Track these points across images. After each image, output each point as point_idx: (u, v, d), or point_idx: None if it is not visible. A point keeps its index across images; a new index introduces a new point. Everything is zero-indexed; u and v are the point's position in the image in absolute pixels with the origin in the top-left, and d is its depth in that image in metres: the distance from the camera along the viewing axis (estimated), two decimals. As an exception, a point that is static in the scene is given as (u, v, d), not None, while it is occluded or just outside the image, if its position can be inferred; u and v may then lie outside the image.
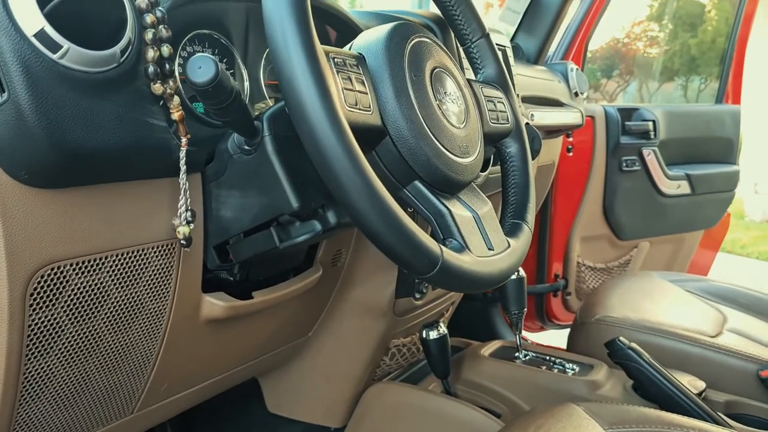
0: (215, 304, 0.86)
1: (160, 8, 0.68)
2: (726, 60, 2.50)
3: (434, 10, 1.03)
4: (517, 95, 1.32)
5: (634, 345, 1.10)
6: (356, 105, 0.64)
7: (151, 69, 0.66)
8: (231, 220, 0.79)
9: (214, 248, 0.84)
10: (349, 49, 0.73)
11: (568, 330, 2.36)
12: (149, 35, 0.66)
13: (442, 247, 0.65)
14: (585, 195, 2.16)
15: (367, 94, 0.67)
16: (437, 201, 0.72)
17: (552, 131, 1.70)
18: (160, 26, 0.68)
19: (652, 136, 2.18)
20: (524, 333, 2.26)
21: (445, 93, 0.76)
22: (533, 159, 1.34)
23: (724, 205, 2.46)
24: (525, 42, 1.90)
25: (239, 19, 0.91)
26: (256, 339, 1.04)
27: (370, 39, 0.72)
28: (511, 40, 1.93)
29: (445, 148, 0.72)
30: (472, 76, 1.00)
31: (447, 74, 0.78)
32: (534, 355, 1.34)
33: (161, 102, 0.69)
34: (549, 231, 2.15)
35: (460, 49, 1.04)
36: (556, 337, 2.47)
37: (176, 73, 0.80)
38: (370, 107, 0.67)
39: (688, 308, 1.52)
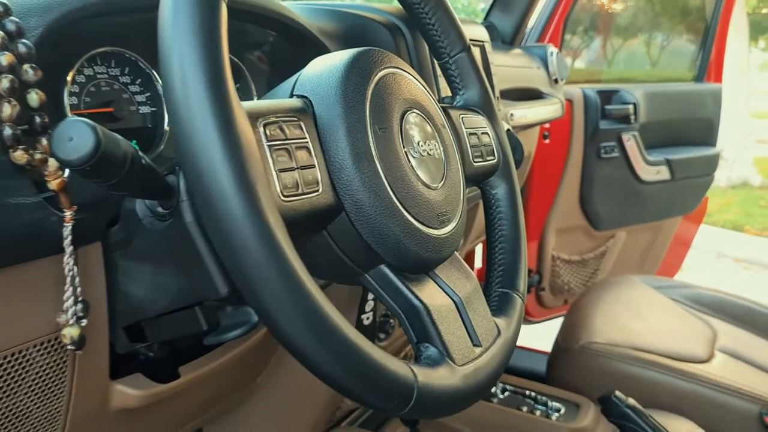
0: (128, 393, 0.68)
1: (24, 41, 0.49)
2: (708, 35, 2.35)
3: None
4: (497, 97, 1.15)
5: (631, 402, 0.97)
6: (297, 188, 0.46)
7: (7, 132, 0.47)
8: (143, 300, 0.62)
9: (125, 327, 0.66)
10: (293, 87, 0.55)
11: (540, 324, 2.27)
12: (4, 84, 0.46)
13: (415, 368, 0.48)
14: (561, 185, 2.01)
15: (314, 166, 0.49)
16: (409, 293, 0.55)
17: (532, 125, 1.53)
18: (25, 66, 0.48)
19: (632, 120, 2.03)
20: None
21: (418, 143, 0.58)
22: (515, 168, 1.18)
23: (703, 189, 2.35)
24: (500, 21, 1.71)
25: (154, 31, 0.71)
26: (189, 409, 0.87)
27: (320, 79, 0.54)
28: (485, 19, 1.74)
29: (420, 222, 0.55)
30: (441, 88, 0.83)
31: (421, 115, 0.60)
32: (512, 389, 1.20)
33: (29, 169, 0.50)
34: (523, 224, 2.00)
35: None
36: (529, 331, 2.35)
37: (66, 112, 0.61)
38: (317, 184, 0.49)
39: (676, 324, 1.39)
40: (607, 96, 2.02)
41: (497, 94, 1.15)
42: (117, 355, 0.68)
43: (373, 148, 0.52)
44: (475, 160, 0.72)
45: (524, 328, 2.24)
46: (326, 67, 0.55)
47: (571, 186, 2.03)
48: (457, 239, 0.60)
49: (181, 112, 0.41)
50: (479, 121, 0.75)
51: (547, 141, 1.92)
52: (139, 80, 0.70)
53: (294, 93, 0.54)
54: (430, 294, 0.57)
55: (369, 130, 0.52)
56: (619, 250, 2.21)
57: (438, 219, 0.57)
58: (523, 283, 0.70)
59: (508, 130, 1.15)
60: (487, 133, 0.75)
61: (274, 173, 0.44)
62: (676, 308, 1.47)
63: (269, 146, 0.45)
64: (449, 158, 0.62)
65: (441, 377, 0.51)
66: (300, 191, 0.46)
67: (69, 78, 0.61)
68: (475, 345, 0.58)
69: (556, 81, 1.67)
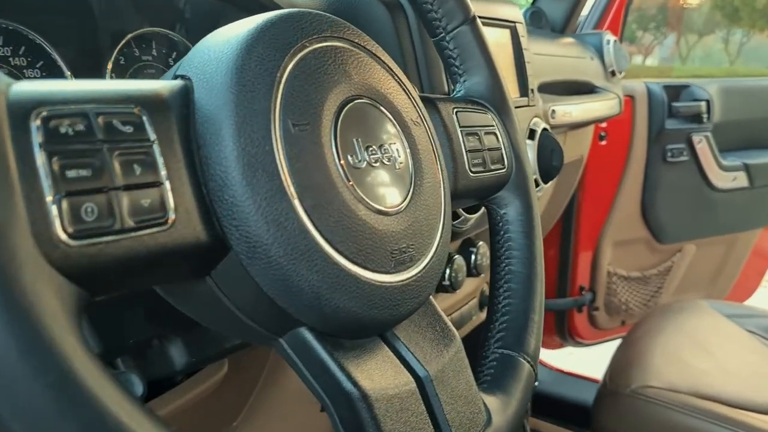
0: None
1: None
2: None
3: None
4: (532, 90, 0.95)
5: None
6: (113, 220, 0.29)
7: None
8: None
9: None
10: (179, 65, 0.38)
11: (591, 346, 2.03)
12: None
13: None
14: (619, 191, 1.78)
15: (158, 184, 0.31)
16: (339, 371, 0.37)
17: (581, 125, 1.32)
18: None
19: (705, 119, 1.78)
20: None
21: (367, 147, 0.40)
22: (552, 178, 0.98)
23: (787, 198, 2.06)
24: (549, 6, 1.50)
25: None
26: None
27: (212, 53, 0.36)
28: (533, 4, 1.53)
29: (358, 264, 0.37)
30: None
31: (375, 106, 0.42)
32: (547, 441, 1.00)
33: None
34: (574, 236, 1.78)
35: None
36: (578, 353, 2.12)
37: None
38: (164, 212, 0.31)
39: (753, 364, 1.16)
40: (675, 92, 1.78)
41: (533, 86, 0.95)
42: None
43: (278, 153, 0.34)
44: (474, 169, 0.53)
45: (574, 350, 2.02)
46: (226, 37, 0.37)
47: (631, 193, 1.80)
48: (427, 287, 0.41)
49: None
50: (483, 117, 0.56)
51: (603, 142, 1.70)
52: (41, 62, 0.55)
53: (177, 73, 0.37)
54: (375, 370, 0.38)
55: (275, 127, 0.35)
56: (686, 266, 1.95)
57: (392, 259, 0.39)
58: (534, 341, 0.51)
59: (545, 129, 0.95)
60: (493, 134, 0.56)
61: (48, 195, 0.27)
62: (753, 343, 1.23)
63: (49, 153, 0.27)
64: (422, 168, 0.44)
65: None
66: (119, 224, 0.29)
67: None
68: None
69: (613, 74, 1.45)
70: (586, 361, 1.99)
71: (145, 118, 0.31)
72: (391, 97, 0.43)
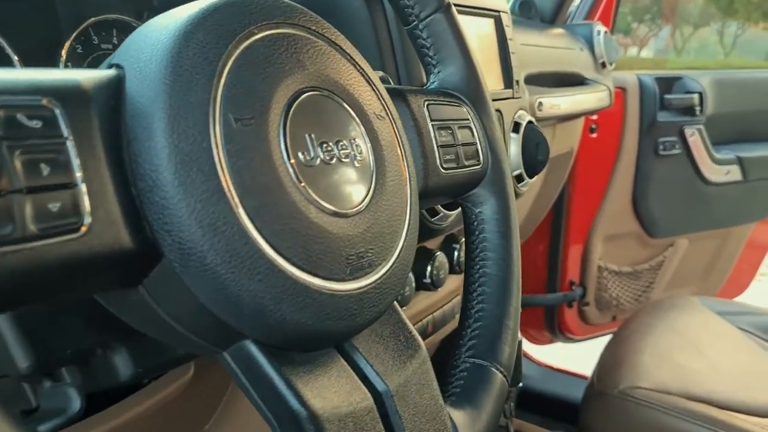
0: None
1: None
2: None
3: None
4: (517, 82, 0.92)
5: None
6: (8, 228, 0.25)
7: None
8: None
9: None
10: (112, 59, 0.34)
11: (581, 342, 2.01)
12: None
13: None
14: (610, 185, 1.76)
15: (71, 185, 0.28)
16: (285, 388, 0.34)
17: (570, 117, 1.29)
18: None
19: (698, 112, 1.75)
20: (528, 346, 1.90)
21: (321, 143, 0.36)
22: (537, 172, 0.95)
23: (780, 191, 2.04)
24: (539, -5, 1.47)
25: None
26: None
27: (148, 39, 0.33)
28: (522, -7, 1.50)
29: (308, 271, 0.34)
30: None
31: (332, 98, 0.38)
32: (532, 443, 0.97)
33: None
34: (564, 230, 1.75)
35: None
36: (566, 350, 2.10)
37: None
38: (77, 217, 0.28)
39: (746, 363, 1.13)
40: (667, 84, 1.75)
41: (518, 78, 0.92)
42: None
43: (217, 151, 0.31)
44: (446, 165, 0.50)
45: (565, 346, 1.99)
46: (165, 23, 0.34)
47: (622, 186, 1.77)
48: (388, 294, 0.38)
49: None
50: (457, 110, 0.53)
51: (594, 135, 1.67)
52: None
53: (111, 62, 0.34)
54: (328, 387, 0.35)
55: (215, 122, 0.31)
56: (678, 261, 1.93)
57: (348, 265, 0.36)
58: (508, 350, 0.48)
59: (530, 122, 0.92)
60: (468, 128, 0.53)
61: None
62: (746, 341, 1.20)
63: None
64: (384, 165, 0.41)
65: None
66: (20, 233, 0.25)
67: None
68: None
69: (603, 65, 1.42)
70: (577, 355, 1.97)
71: (58, 112, 0.28)
72: (351, 88, 0.40)
